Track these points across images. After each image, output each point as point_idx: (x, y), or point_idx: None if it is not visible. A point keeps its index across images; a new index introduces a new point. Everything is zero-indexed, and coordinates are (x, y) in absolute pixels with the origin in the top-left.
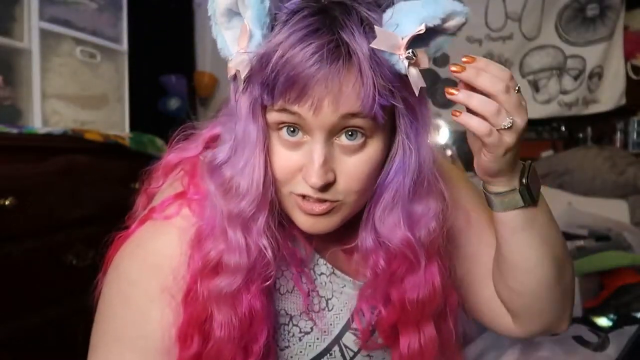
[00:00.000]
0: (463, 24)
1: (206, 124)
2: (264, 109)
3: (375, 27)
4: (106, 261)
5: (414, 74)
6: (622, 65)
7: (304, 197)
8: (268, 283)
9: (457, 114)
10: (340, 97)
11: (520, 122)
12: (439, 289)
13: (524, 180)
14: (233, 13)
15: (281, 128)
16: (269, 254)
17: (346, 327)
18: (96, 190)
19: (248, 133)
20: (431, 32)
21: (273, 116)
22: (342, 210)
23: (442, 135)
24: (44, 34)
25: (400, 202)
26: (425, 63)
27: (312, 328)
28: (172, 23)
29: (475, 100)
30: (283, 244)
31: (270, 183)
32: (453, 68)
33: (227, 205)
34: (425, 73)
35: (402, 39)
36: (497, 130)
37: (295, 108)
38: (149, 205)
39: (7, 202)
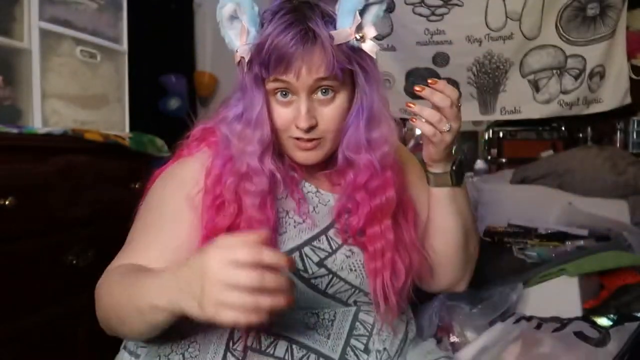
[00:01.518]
0: None
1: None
2: (263, 81)
3: (332, 32)
4: (145, 191)
5: (367, 45)
6: (626, 64)
7: (297, 139)
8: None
9: (414, 120)
10: (312, 66)
11: (456, 126)
12: (393, 194)
13: (453, 167)
14: (234, 18)
15: (276, 93)
16: (277, 174)
17: (331, 225)
18: (96, 190)
19: (257, 99)
20: (367, 6)
21: (270, 85)
22: (325, 145)
23: None
24: (44, 34)
25: (361, 132)
26: (371, 33)
27: (304, 221)
28: (172, 23)
29: (426, 112)
30: (284, 171)
31: (272, 131)
32: (417, 88)
33: (245, 146)
34: (426, 73)
35: (350, 28)
36: (440, 132)
37: (284, 77)
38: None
39: (7, 202)
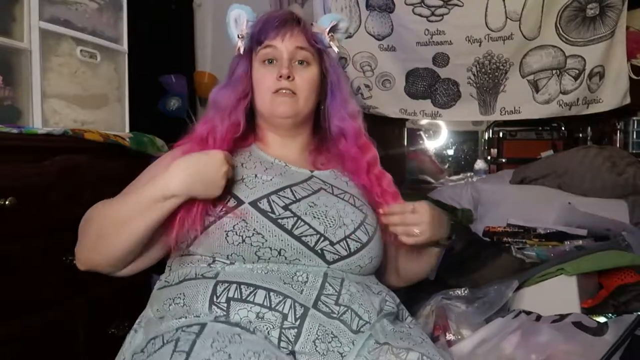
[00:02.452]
0: (348, 26)
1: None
2: (255, 54)
3: (313, 23)
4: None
5: (332, 49)
6: (625, 64)
7: (278, 91)
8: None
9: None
10: (293, 35)
11: (424, 229)
12: (375, 152)
13: (445, 243)
14: (237, 21)
15: (264, 61)
16: (242, 123)
17: (295, 184)
18: (96, 190)
19: (243, 64)
20: (335, 31)
21: (260, 53)
22: (298, 101)
23: (441, 134)
24: (44, 34)
25: (341, 104)
26: (336, 46)
27: (271, 179)
28: (172, 23)
29: (392, 220)
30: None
31: (246, 95)
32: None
33: (227, 94)
34: (426, 73)
35: (326, 28)
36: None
37: (272, 42)
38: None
39: (7, 202)
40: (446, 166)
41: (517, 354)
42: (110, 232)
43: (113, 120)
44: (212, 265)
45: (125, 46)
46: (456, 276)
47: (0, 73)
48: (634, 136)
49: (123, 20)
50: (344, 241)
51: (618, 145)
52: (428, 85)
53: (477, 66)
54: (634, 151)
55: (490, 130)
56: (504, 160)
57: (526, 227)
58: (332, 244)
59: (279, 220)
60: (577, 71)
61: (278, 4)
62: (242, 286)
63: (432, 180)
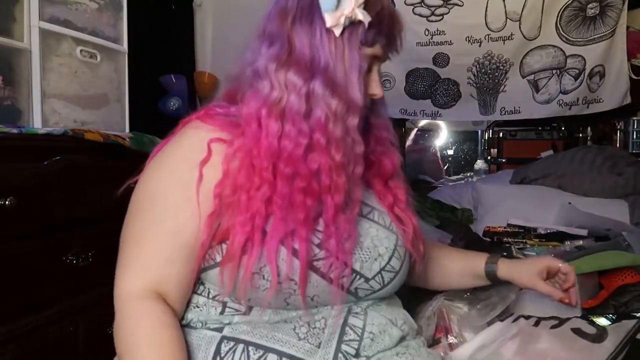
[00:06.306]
0: None
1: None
2: (363, 44)
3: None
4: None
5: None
6: (626, 63)
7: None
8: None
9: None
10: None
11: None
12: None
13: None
14: None
15: (373, 58)
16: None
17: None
18: (96, 190)
19: (356, 61)
20: None
21: (375, 49)
22: None
23: (441, 134)
24: (44, 34)
25: None
26: None
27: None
28: (172, 23)
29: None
30: None
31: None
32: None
33: (341, 108)
34: (426, 73)
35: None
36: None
37: (389, 53)
38: None
39: (7, 202)
40: (446, 166)
41: None
42: None
43: (113, 120)
44: (218, 310)
45: (125, 46)
46: None
47: (0, 73)
48: (634, 136)
49: (123, 20)
50: (379, 275)
51: (618, 145)
52: (428, 85)
53: (477, 66)
54: (634, 151)
55: (490, 130)
56: (504, 160)
57: (526, 227)
58: (367, 280)
59: (314, 263)
60: (577, 71)
61: None
62: (250, 348)
63: (432, 180)
